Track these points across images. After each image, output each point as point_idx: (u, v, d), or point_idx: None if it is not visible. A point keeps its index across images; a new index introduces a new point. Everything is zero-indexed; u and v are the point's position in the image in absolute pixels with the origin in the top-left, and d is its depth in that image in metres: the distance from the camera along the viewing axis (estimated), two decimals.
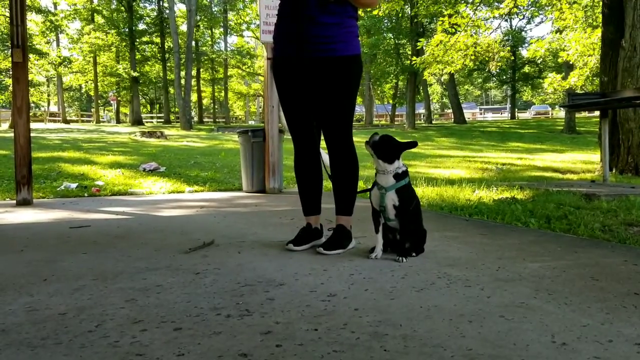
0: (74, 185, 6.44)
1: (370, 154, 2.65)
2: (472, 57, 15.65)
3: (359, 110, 54.22)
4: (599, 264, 2.49)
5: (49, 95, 56.82)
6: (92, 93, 48.30)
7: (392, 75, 43.74)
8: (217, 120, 53.70)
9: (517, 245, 2.95)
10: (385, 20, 34.45)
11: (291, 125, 2.96)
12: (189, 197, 5.87)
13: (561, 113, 42.21)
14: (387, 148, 2.60)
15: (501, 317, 1.74)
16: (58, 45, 45.61)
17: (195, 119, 47.17)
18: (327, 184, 3.04)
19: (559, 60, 20.81)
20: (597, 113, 8.98)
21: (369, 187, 2.74)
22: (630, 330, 1.61)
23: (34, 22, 38.25)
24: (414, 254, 2.64)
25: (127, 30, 40.83)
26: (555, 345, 1.50)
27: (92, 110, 50.12)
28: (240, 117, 64.59)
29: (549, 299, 1.93)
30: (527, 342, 1.52)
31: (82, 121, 46.55)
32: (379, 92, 49.88)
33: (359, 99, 48.48)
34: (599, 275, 2.26)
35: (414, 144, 2.66)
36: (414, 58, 18.21)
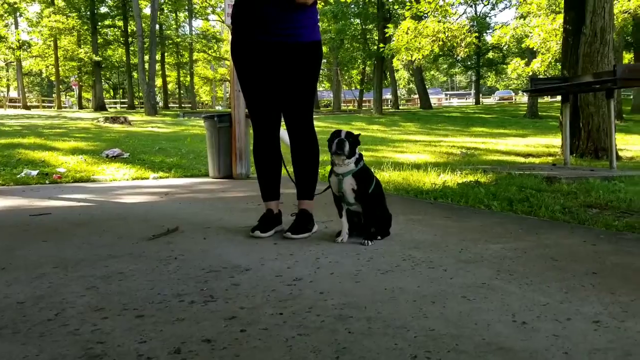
0: (34, 173, 6.27)
1: (336, 158, 2.60)
2: (440, 44, 15.75)
3: (327, 95, 54.18)
4: (559, 245, 2.55)
5: (8, 80, 55.08)
6: (53, 78, 46.96)
7: (359, 61, 43.75)
8: (182, 105, 52.99)
9: (480, 228, 3.00)
10: (352, 6, 34.34)
11: (252, 109, 2.94)
12: (154, 183, 5.78)
13: (524, 98, 42.94)
14: (352, 147, 2.57)
15: (463, 297, 1.77)
16: (17, 28, 44.14)
17: (161, 104, 46.42)
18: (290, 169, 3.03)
19: (522, 45, 21.13)
20: (559, 98, 9.16)
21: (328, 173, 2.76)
22: (588, 308, 1.65)
23: None
24: (379, 237, 2.66)
25: (88, 13, 39.75)
26: (516, 324, 1.53)
27: (54, 95, 48.83)
28: (207, 102, 63.79)
29: (510, 279, 1.97)
30: (488, 321, 1.55)
31: (43, 107, 45.32)
32: (346, 77, 49.88)
33: (326, 85, 48.53)
34: (558, 256, 2.32)
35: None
36: (382, 45, 18.23)
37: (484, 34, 42.67)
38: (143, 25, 33.89)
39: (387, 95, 49.27)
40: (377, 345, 1.39)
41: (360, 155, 2.66)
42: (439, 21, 15.29)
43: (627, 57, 32.85)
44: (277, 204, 3.00)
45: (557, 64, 15.51)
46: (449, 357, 1.32)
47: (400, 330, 1.49)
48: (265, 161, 2.99)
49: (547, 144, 12.59)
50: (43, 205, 4.07)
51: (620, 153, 9.13)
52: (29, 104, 44.09)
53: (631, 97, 32.98)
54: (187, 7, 45.85)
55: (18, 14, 41.53)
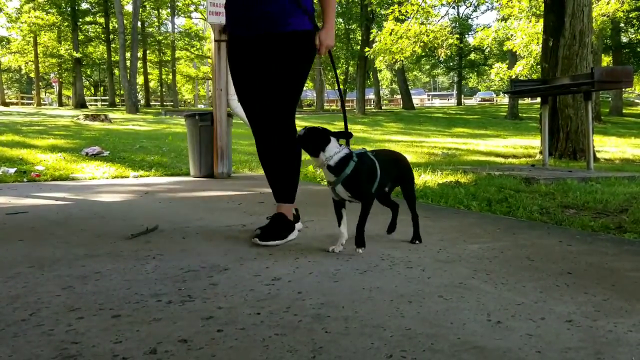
0: (12, 170, 6.18)
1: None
2: (422, 45, 15.85)
3: (310, 95, 54.15)
4: (535, 245, 2.59)
5: None
6: (32, 75, 46.35)
7: (342, 61, 43.85)
8: (164, 103, 52.60)
9: (459, 228, 3.03)
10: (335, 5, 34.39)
11: (245, 111, 2.75)
12: (134, 182, 5.73)
13: (505, 99, 43.41)
14: (309, 141, 2.35)
15: (440, 297, 1.78)
16: None
17: (142, 102, 46.05)
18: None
19: (504, 48, 21.38)
20: (539, 100, 9.29)
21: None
22: (562, 308, 1.68)
23: None
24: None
25: (69, 9, 39.28)
26: (491, 323, 1.55)
27: (33, 92, 48.17)
28: (189, 100, 63.35)
29: (486, 279, 1.99)
30: (464, 321, 1.57)
31: (23, 104, 44.75)
32: (329, 77, 49.93)
33: (309, 84, 48.47)
34: (534, 256, 2.35)
35: (349, 135, 2.40)
36: (367, 48, 18.29)
37: (466, 36, 43.09)
38: (125, 22, 33.65)
39: (370, 96, 49.48)
40: (354, 345, 1.40)
41: (347, 155, 2.34)
42: (422, 23, 15.38)
43: (606, 60, 33.36)
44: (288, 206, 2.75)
45: (539, 66, 15.72)
46: (424, 356, 1.33)
47: (377, 329, 1.50)
48: (272, 164, 2.76)
49: (527, 145, 12.74)
50: (20, 204, 4.02)
51: (597, 154, 9.29)
52: (7, 100, 43.44)
53: (609, 99, 33.51)
54: (169, 5, 45.50)
55: None
